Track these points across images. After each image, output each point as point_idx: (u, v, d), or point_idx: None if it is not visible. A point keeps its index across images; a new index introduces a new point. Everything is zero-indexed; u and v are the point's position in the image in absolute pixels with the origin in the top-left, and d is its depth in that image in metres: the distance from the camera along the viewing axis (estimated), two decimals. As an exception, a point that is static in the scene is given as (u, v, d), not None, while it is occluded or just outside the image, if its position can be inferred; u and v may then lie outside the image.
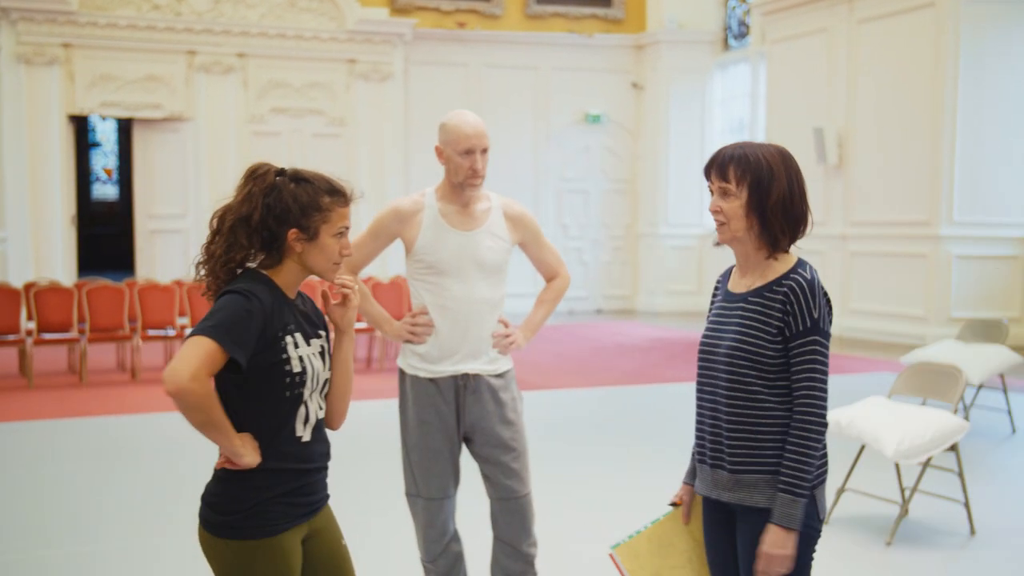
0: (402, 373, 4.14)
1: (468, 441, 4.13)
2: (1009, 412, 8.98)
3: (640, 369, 12.63)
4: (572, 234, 20.44)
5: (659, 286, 20.48)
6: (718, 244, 3.00)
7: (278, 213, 2.71)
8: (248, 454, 2.66)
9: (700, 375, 3.01)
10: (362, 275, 15.22)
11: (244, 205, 2.70)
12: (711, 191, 2.90)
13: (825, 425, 2.82)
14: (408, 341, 4.05)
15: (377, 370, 12.45)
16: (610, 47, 20.62)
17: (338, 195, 2.78)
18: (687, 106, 20.35)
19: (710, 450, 2.96)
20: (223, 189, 17.87)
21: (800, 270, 2.85)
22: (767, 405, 2.85)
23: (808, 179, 14.40)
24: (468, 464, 4.23)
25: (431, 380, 4.03)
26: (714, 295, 3.10)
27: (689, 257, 20.50)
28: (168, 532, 6.04)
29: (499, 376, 4.10)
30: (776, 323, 2.83)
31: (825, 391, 2.82)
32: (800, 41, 17.03)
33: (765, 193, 2.80)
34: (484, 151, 3.96)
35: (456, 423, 4.05)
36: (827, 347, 2.82)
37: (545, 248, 4.26)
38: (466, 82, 19.86)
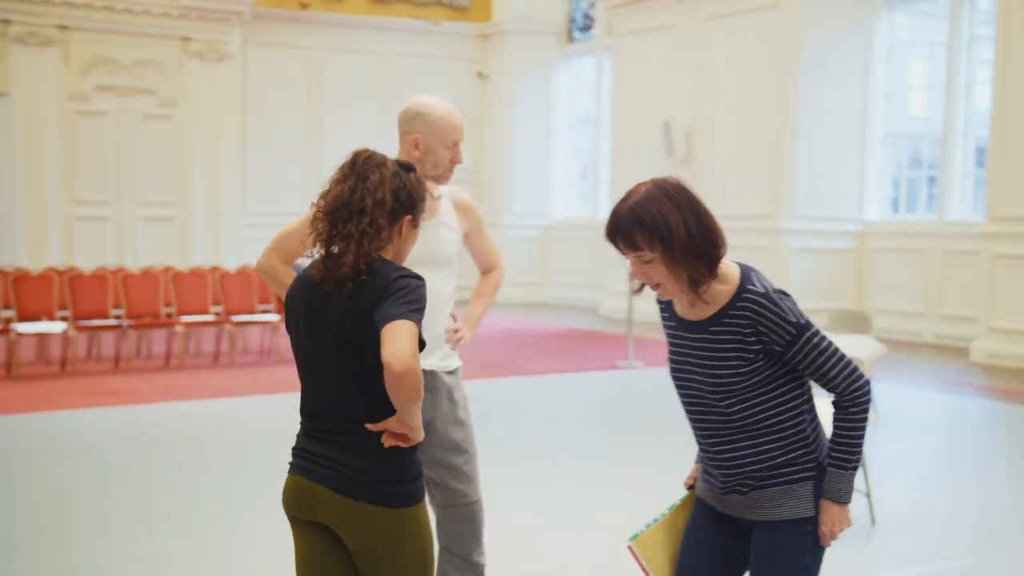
0: None
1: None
2: (873, 401, 9.12)
3: (497, 361, 12.40)
4: (415, 224, 20.07)
5: (504, 277, 20.28)
6: (637, 293, 3.02)
7: (403, 200, 2.80)
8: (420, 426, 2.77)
9: (686, 408, 2.92)
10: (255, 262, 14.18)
11: (379, 190, 2.76)
12: (622, 255, 2.81)
13: (867, 392, 2.78)
14: None
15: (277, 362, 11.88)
16: (455, 35, 20.36)
17: (427, 189, 2.92)
18: (532, 97, 20.29)
19: (715, 477, 2.91)
20: (42, 170, 17.13)
21: (748, 286, 2.75)
22: (767, 425, 2.81)
23: (656, 171, 14.52)
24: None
25: None
26: (662, 314, 2.98)
27: (534, 248, 20.43)
28: (60, 544, 5.46)
29: (451, 373, 3.85)
30: (753, 347, 2.75)
31: (848, 364, 2.77)
32: (648, 36, 17.13)
33: (670, 246, 2.71)
34: None
35: None
36: (819, 332, 2.76)
37: (486, 239, 4.07)
38: (307, 65, 19.27)
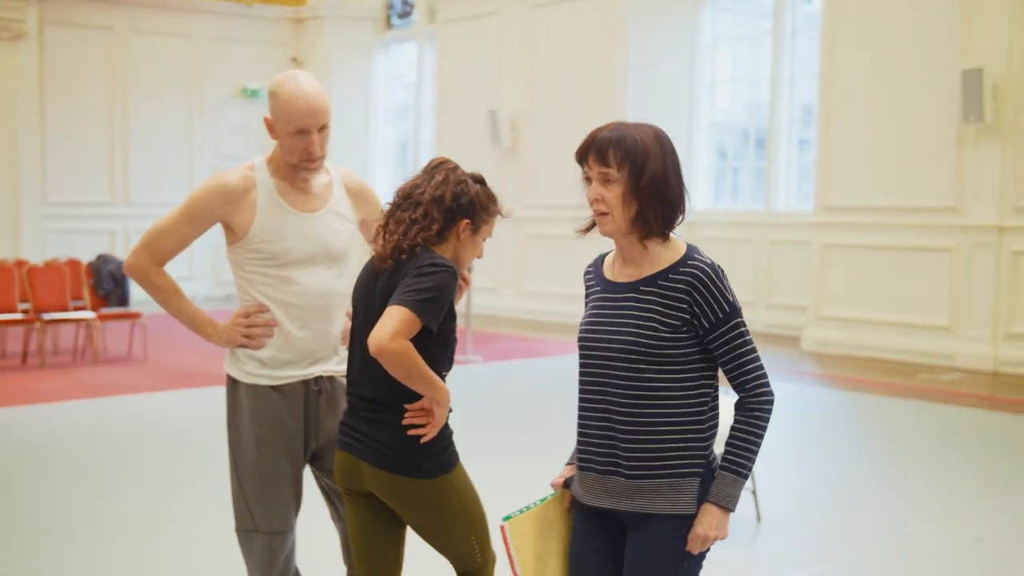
0: (233, 382, 3.40)
1: (314, 459, 3.47)
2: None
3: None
4: (230, 214, 19.27)
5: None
6: (582, 232, 2.82)
7: (463, 203, 3.09)
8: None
9: (585, 374, 2.74)
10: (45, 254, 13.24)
11: (440, 188, 3.06)
12: (587, 178, 2.71)
13: (772, 401, 2.68)
14: (243, 346, 3.34)
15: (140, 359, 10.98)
16: (269, 19, 19.64)
17: (498, 207, 3.20)
18: (350, 84, 19.75)
19: (599, 456, 2.71)
20: None
21: (697, 256, 2.66)
22: (669, 403, 2.65)
23: (482, 161, 14.27)
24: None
25: (274, 388, 3.35)
26: (588, 286, 2.85)
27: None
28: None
29: None
30: (682, 315, 2.63)
31: (762, 367, 2.68)
32: (472, 23, 16.90)
33: (638, 173, 2.62)
34: (323, 129, 3.31)
35: (304, 438, 3.39)
36: (745, 323, 2.69)
37: None
38: (111, 47, 18.18)
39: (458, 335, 3.19)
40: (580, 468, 2.77)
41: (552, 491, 2.89)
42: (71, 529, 5.62)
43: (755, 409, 2.65)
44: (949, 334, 11.46)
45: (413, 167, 19.53)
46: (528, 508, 2.84)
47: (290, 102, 3.25)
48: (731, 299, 2.63)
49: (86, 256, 12.95)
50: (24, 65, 17.08)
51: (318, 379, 3.39)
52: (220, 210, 3.30)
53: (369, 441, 2.99)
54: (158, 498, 6.22)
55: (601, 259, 2.86)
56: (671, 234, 2.67)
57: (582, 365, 2.75)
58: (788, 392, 10.17)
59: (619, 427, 2.66)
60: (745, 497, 5.99)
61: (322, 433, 3.39)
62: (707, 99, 15.34)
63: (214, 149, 19.14)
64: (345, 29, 19.74)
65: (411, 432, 2.94)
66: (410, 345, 2.81)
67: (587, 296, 2.83)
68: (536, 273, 15.90)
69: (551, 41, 15.66)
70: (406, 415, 2.93)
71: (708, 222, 15.16)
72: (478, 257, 3.17)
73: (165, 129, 18.58)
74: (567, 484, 2.86)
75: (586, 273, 2.86)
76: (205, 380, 9.95)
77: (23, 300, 11.34)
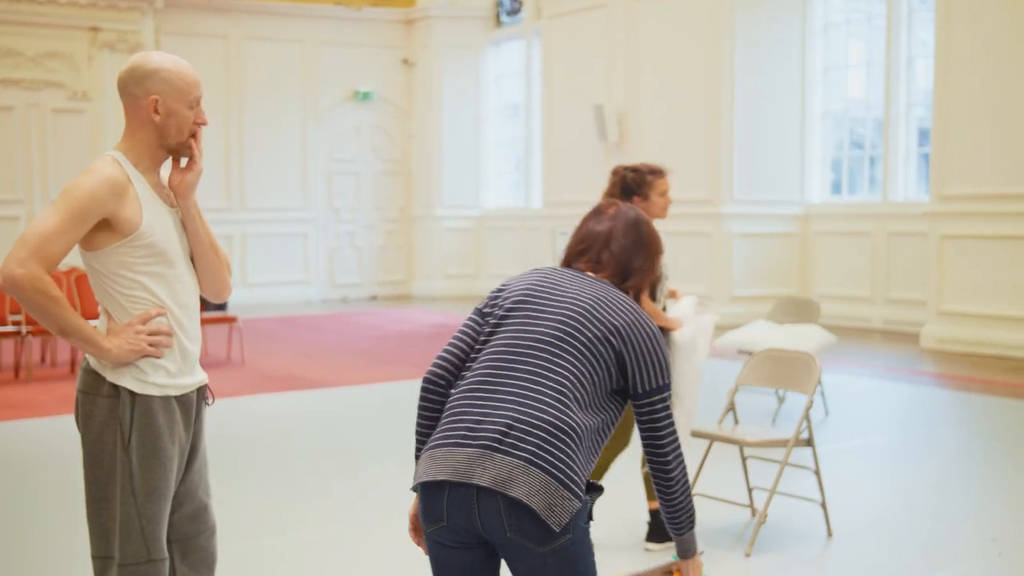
0: (131, 395, 3.04)
1: None
2: (822, 394, 8.59)
3: (430, 358, 11.72)
4: (344, 218, 19.42)
5: (436, 270, 19.71)
6: None
7: None
8: None
9: None
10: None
11: None
12: None
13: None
14: (147, 356, 3.04)
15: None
16: (379, 21, 19.66)
17: None
18: (460, 84, 19.64)
19: None
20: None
21: None
22: None
23: (589, 156, 14.03)
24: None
25: (177, 399, 3.13)
26: None
27: (466, 240, 19.82)
28: None
29: None
30: None
31: None
32: (577, 17, 16.58)
33: None
34: None
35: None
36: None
37: None
38: (226, 55, 18.44)
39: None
40: None
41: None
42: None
43: None
44: (1079, 329, 10.67)
45: (525, 166, 19.32)
46: None
47: (183, 75, 3.10)
48: None
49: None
50: (141, 76, 17.44)
51: (203, 387, 3.23)
52: (110, 204, 2.97)
53: None
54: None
55: None
56: None
57: None
58: (902, 393, 9.60)
59: None
60: (813, 510, 5.56)
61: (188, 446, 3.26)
62: (820, 87, 14.70)
63: (327, 152, 19.27)
64: (455, 29, 19.65)
65: None
66: None
67: None
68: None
69: (656, 32, 15.24)
70: None
71: (823, 215, 14.56)
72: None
73: (280, 135, 18.77)
74: None
75: None
76: (303, 383, 10.00)
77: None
